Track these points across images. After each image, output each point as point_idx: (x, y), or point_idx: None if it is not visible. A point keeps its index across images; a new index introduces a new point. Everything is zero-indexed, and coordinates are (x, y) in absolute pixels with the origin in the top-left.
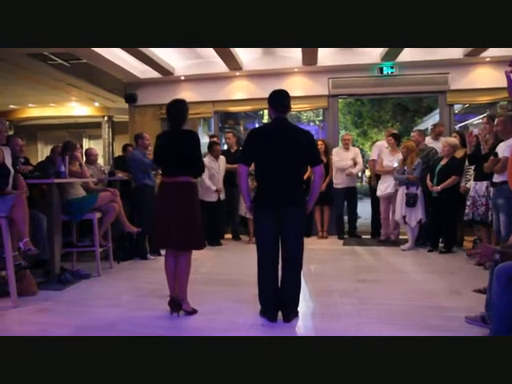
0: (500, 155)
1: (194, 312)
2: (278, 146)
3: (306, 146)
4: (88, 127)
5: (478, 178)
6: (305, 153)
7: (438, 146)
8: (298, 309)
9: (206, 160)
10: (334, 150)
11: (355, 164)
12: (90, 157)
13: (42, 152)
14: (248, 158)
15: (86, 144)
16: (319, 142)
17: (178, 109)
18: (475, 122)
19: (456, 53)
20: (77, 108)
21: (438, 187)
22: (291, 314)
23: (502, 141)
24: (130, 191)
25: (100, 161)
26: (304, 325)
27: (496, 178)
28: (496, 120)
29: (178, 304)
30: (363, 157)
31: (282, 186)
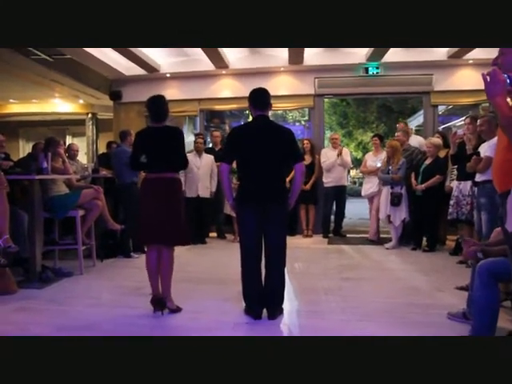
0: (482, 155)
1: (178, 310)
2: (260, 144)
3: (287, 143)
4: (71, 124)
5: (461, 177)
6: (285, 150)
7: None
8: (283, 306)
9: (189, 154)
10: (323, 151)
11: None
12: (71, 151)
13: (24, 149)
14: (230, 157)
15: (70, 141)
16: (305, 141)
17: (158, 104)
18: (458, 124)
19: (440, 54)
20: (60, 105)
21: (423, 186)
22: (276, 311)
23: (484, 141)
24: (114, 189)
25: (84, 158)
26: (288, 322)
27: (478, 178)
28: (479, 120)
29: (161, 302)
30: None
31: (265, 184)
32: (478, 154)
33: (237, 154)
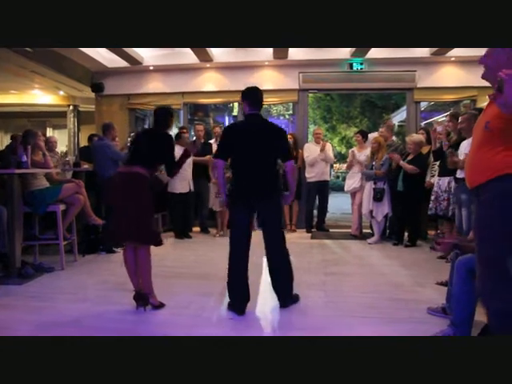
0: (463, 152)
1: (161, 306)
2: (254, 143)
3: (279, 141)
4: (52, 116)
5: (442, 173)
6: (277, 148)
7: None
8: (266, 300)
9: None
10: (306, 145)
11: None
12: (49, 143)
13: (2, 141)
14: (225, 154)
15: (50, 134)
16: (288, 136)
17: (161, 115)
18: (440, 120)
19: (423, 51)
20: (40, 96)
21: (401, 162)
22: (287, 299)
23: (465, 138)
24: (97, 183)
25: (64, 151)
26: (271, 318)
27: (459, 174)
28: (460, 118)
29: (144, 298)
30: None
31: (258, 181)
32: (454, 148)
33: (231, 152)
